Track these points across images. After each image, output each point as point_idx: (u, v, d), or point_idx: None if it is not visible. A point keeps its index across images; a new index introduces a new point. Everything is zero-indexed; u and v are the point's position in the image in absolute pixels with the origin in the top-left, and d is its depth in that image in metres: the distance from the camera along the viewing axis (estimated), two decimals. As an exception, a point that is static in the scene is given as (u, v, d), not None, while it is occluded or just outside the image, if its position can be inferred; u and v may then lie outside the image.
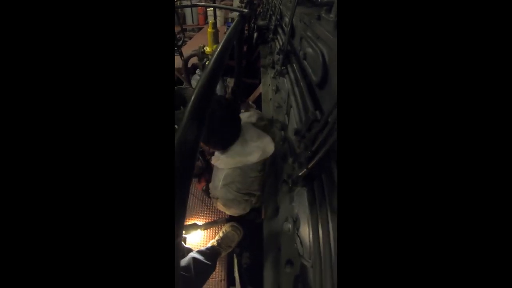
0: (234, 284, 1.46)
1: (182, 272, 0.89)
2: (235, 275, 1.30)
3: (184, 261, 0.96)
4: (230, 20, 3.59)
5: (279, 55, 0.79)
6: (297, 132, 0.48)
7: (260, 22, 2.16)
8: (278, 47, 0.92)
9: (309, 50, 0.58)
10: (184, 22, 5.44)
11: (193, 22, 5.69)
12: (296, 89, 0.62)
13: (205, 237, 1.44)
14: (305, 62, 0.63)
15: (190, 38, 3.96)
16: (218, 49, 0.39)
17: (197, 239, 1.43)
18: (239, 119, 0.79)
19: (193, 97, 0.30)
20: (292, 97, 0.63)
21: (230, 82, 2.23)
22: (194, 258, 1.01)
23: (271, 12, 1.83)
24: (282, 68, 0.77)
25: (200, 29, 4.85)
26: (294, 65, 0.73)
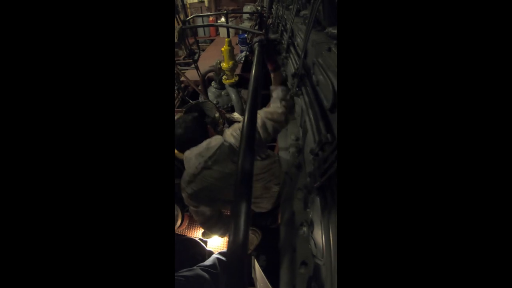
0: (252, 285, 1.52)
1: (210, 269, 0.99)
2: (253, 276, 1.38)
3: (209, 261, 1.07)
4: (241, 32, 3.71)
5: (294, 77, 0.89)
6: (311, 151, 0.58)
7: (272, 36, 2.25)
8: (293, 69, 1.02)
9: (321, 77, 0.68)
10: (196, 34, 5.66)
11: (204, 34, 5.93)
12: (310, 110, 0.72)
13: (225, 241, 1.54)
14: (317, 88, 0.73)
15: (203, 50, 4.14)
16: (251, 87, 0.50)
17: (218, 242, 1.54)
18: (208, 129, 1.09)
19: (242, 135, 0.40)
20: (306, 118, 0.73)
21: (244, 93, 2.36)
22: (218, 258, 1.12)
23: (282, 28, 1.93)
24: (297, 90, 0.88)
25: (212, 40, 5.05)
26: (308, 88, 0.83)
